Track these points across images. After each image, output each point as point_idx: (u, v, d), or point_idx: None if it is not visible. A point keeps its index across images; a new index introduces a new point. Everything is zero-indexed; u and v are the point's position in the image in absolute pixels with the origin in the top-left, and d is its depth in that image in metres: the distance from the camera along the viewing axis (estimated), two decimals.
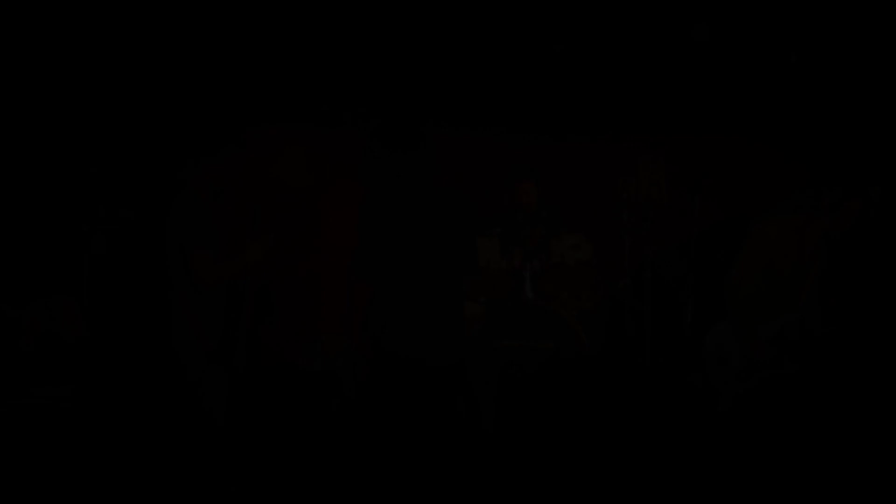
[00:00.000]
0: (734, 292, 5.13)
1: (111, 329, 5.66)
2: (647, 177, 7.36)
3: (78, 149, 6.01)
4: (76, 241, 5.74)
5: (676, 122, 7.31)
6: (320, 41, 6.16)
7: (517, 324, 6.41)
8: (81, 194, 5.92)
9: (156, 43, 5.81)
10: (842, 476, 4.58)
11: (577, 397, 6.23)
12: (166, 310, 5.01)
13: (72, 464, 3.17)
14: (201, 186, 5.15)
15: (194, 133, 5.46)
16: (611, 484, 5.12)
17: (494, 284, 6.55)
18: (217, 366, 5.06)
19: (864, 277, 5.03)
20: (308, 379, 6.58)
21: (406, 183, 4.73)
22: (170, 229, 4.90)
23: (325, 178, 7.57)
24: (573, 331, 6.29)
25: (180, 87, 6.41)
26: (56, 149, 5.96)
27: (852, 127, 6.41)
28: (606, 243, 6.95)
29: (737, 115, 6.98)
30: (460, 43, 6.19)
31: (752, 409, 5.07)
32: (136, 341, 5.61)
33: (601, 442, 5.70)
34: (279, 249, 6.98)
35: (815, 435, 4.91)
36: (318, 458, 5.29)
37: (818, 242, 5.05)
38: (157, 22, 5.64)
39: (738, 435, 5.12)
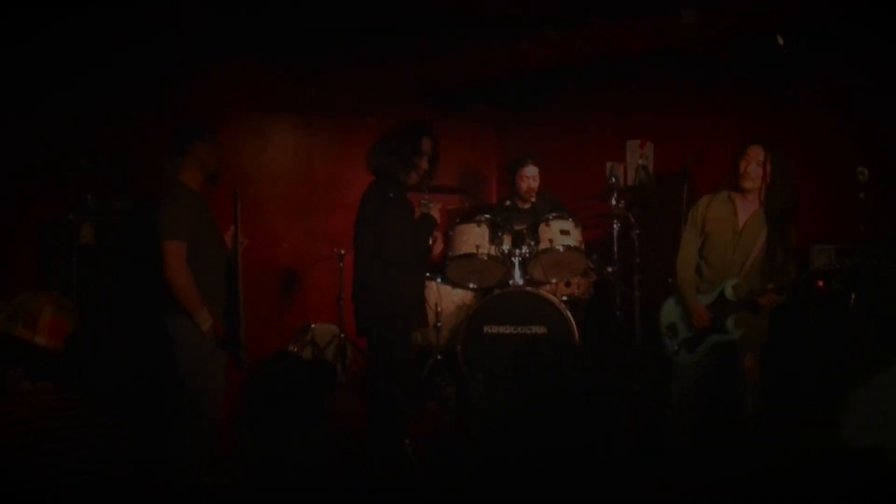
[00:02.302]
0: (681, 268, 5.36)
1: (103, 321, 5.64)
2: (635, 161, 7.37)
3: (67, 139, 5.99)
4: (62, 233, 5.72)
5: (665, 106, 7.31)
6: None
7: (507, 310, 6.43)
8: (70, 185, 5.91)
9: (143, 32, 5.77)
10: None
11: (567, 382, 6.25)
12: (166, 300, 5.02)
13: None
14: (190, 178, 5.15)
15: (183, 121, 5.46)
16: (598, 472, 5.14)
17: (484, 271, 6.57)
18: (221, 351, 5.07)
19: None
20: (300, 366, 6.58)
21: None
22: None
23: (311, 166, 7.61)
24: (563, 316, 6.31)
25: (166, 74, 6.39)
26: (43, 139, 5.94)
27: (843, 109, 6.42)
28: (596, 229, 6.97)
29: (728, 99, 6.97)
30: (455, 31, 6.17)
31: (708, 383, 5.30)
32: (130, 334, 5.61)
33: (591, 428, 5.72)
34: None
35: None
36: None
37: (751, 217, 5.25)
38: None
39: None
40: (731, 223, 5.26)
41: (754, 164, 5.18)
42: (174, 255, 4.84)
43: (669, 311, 5.45)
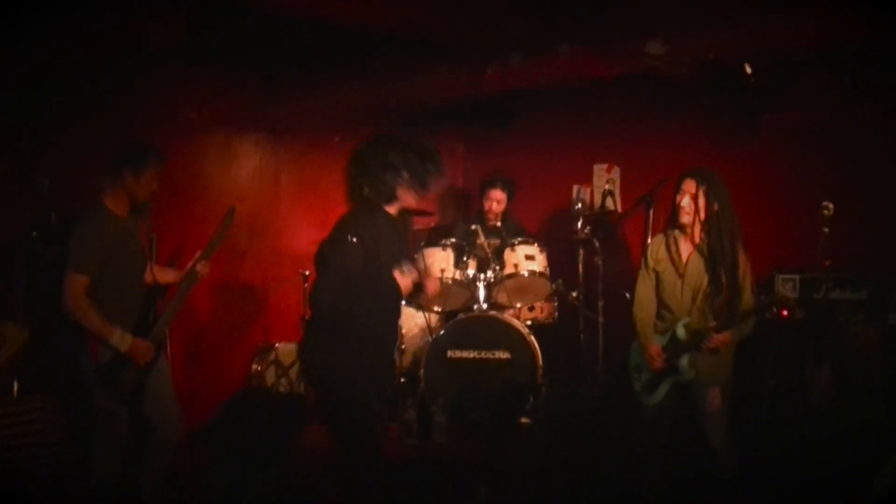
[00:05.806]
0: (637, 310, 5.32)
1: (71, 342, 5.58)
2: (601, 185, 7.38)
3: (27, 157, 5.92)
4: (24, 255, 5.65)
5: (632, 130, 7.34)
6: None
7: (471, 335, 6.42)
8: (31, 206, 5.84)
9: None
10: None
11: (529, 407, 6.25)
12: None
13: None
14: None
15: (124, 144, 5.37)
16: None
17: (448, 295, 6.55)
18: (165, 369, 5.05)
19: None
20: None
21: None
22: None
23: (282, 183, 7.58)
24: (527, 342, 6.31)
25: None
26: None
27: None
28: (560, 253, 6.97)
29: (694, 125, 7.01)
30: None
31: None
32: None
33: (554, 450, 5.71)
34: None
35: None
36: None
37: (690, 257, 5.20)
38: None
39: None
40: (675, 262, 5.16)
41: (688, 198, 5.04)
42: (71, 288, 4.65)
43: (636, 352, 5.34)
